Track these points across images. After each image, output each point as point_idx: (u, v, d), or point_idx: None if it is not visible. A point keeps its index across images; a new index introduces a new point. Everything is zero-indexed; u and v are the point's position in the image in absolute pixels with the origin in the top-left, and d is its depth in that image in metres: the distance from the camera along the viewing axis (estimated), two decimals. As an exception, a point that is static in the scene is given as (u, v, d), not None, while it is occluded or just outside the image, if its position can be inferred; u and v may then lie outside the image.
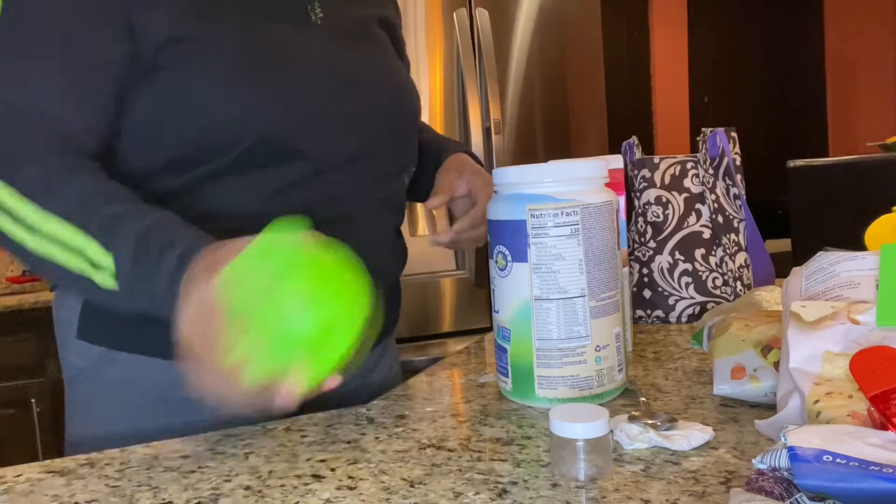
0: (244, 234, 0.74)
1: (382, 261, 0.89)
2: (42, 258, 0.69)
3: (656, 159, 1.13)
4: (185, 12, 0.77)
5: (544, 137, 2.27)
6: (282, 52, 0.83)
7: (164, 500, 0.59)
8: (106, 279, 0.68)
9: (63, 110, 0.75)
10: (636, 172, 1.14)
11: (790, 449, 0.45)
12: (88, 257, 0.68)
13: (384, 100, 0.92)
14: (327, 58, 0.87)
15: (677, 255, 1.10)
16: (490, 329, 0.85)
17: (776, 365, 0.69)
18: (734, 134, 1.16)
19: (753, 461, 0.47)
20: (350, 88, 0.87)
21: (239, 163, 0.80)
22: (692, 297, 1.09)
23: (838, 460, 0.43)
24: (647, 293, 1.11)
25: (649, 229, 1.12)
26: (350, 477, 0.61)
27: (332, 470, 0.63)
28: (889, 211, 0.71)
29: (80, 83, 0.76)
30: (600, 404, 0.70)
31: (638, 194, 1.14)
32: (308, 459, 0.65)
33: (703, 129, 1.15)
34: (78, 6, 0.76)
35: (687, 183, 1.11)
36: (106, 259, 0.67)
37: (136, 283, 0.68)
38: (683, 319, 1.09)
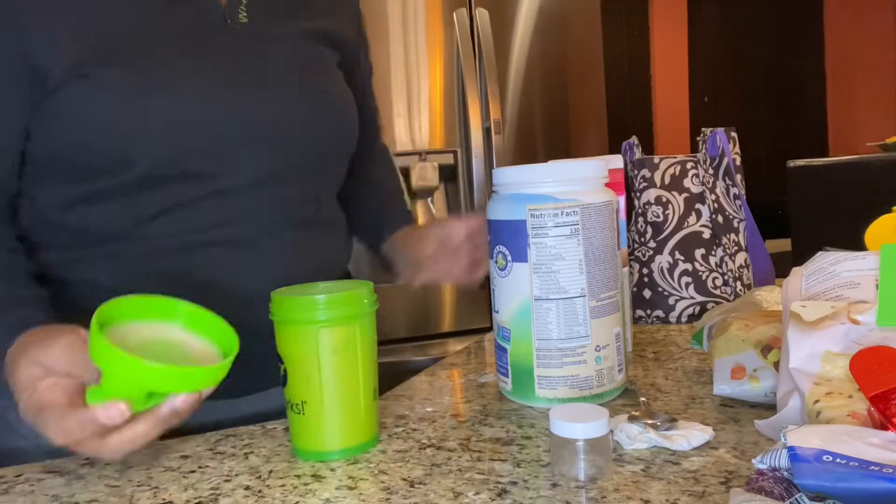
0: (119, 258, 0.79)
1: (290, 280, 0.79)
2: None
3: (656, 159, 1.13)
4: (82, 51, 0.75)
5: (544, 137, 2.27)
6: (173, 74, 0.78)
7: (164, 500, 0.59)
8: None
9: None
10: (636, 172, 1.14)
11: (790, 449, 0.45)
12: None
13: (299, 120, 0.86)
14: (236, 71, 0.82)
15: (677, 255, 1.10)
16: (490, 329, 0.85)
17: (776, 365, 0.69)
18: (734, 134, 1.16)
19: (753, 461, 0.47)
20: (258, 106, 0.82)
21: (126, 185, 0.77)
22: (692, 297, 1.09)
23: (838, 460, 0.43)
24: (647, 293, 1.11)
25: (649, 229, 1.12)
26: (350, 477, 0.61)
27: (332, 470, 0.63)
28: (889, 211, 0.71)
29: None
30: (600, 404, 0.70)
31: (638, 194, 1.14)
32: (307, 460, 0.65)
33: (703, 129, 1.15)
34: None
35: (687, 183, 1.11)
36: None
37: None
38: (683, 319, 1.09)
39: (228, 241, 0.81)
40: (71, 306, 0.75)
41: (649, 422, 0.65)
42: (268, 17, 0.86)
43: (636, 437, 0.63)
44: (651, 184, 1.12)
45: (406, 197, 1.11)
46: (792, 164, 2.20)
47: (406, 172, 2.01)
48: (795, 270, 0.68)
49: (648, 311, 1.11)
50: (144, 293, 0.64)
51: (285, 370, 0.66)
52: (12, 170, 0.79)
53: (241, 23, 0.83)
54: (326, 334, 0.64)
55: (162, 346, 0.63)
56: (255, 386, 0.87)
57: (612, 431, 0.62)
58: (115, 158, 0.76)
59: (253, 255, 0.82)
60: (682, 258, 1.10)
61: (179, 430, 0.75)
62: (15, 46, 0.74)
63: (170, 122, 0.76)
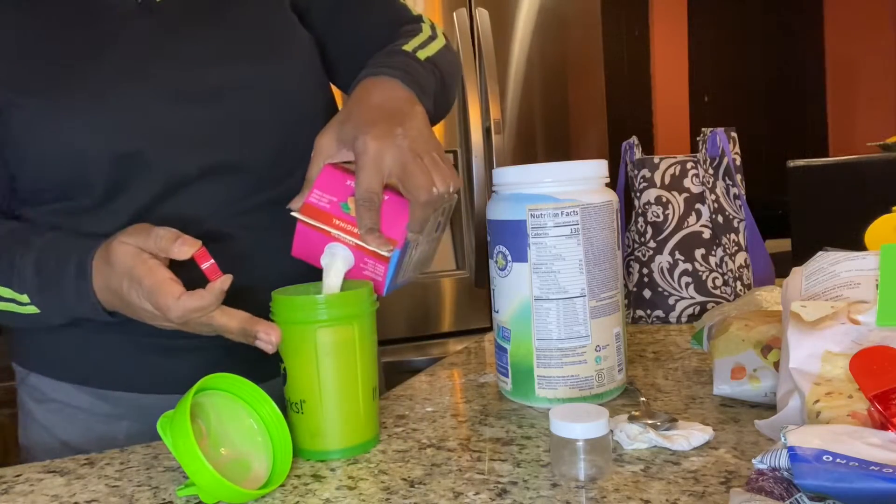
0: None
1: (277, 271, 0.76)
2: None
3: (656, 159, 1.13)
4: (9, 81, 0.74)
5: (544, 137, 2.27)
6: (95, 76, 0.74)
7: (164, 500, 0.59)
8: (31, 309, 0.73)
9: None
10: (636, 172, 1.14)
11: (790, 449, 0.45)
12: (9, 299, 0.74)
13: (247, 100, 0.77)
14: (163, 59, 0.76)
15: (677, 255, 1.10)
16: (490, 329, 0.85)
17: (776, 365, 0.69)
18: (734, 134, 1.16)
19: (753, 461, 0.47)
20: (194, 92, 0.76)
21: (90, 195, 0.76)
22: (692, 297, 1.09)
23: (838, 460, 0.43)
24: (647, 293, 1.11)
25: (649, 229, 1.12)
26: (350, 477, 0.61)
27: (332, 470, 0.63)
28: (889, 211, 0.71)
29: None
30: (600, 404, 0.70)
31: (638, 194, 1.14)
32: (308, 459, 0.65)
33: (703, 129, 1.15)
34: None
35: (687, 183, 1.11)
36: (25, 299, 0.73)
37: (51, 305, 0.73)
38: (683, 319, 1.09)
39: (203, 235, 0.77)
40: None
41: (649, 422, 0.65)
42: None
43: (636, 437, 0.63)
44: (651, 184, 1.12)
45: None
46: (792, 164, 2.20)
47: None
48: (795, 270, 0.68)
49: (648, 311, 1.11)
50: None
51: (285, 369, 0.66)
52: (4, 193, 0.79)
53: (156, 3, 0.78)
54: (325, 334, 0.64)
55: (233, 429, 0.63)
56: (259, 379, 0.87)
57: (612, 431, 0.62)
58: (71, 181, 0.76)
59: (235, 249, 0.79)
60: (682, 258, 1.10)
61: None
62: None
63: (100, 141, 0.74)
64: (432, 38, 0.85)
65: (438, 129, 2.13)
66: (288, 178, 0.80)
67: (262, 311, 0.66)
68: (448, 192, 0.65)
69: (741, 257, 1.13)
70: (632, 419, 0.66)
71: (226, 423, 0.62)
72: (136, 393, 0.82)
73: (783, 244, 2.26)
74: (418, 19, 0.90)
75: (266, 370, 0.71)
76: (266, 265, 0.80)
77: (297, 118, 0.81)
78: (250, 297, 0.68)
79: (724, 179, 1.14)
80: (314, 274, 0.70)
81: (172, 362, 0.81)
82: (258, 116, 0.79)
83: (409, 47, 0.80)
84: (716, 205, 1.11)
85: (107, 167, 0.75)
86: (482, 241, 2.00)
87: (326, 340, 0.64)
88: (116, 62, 0.76)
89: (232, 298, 0.66)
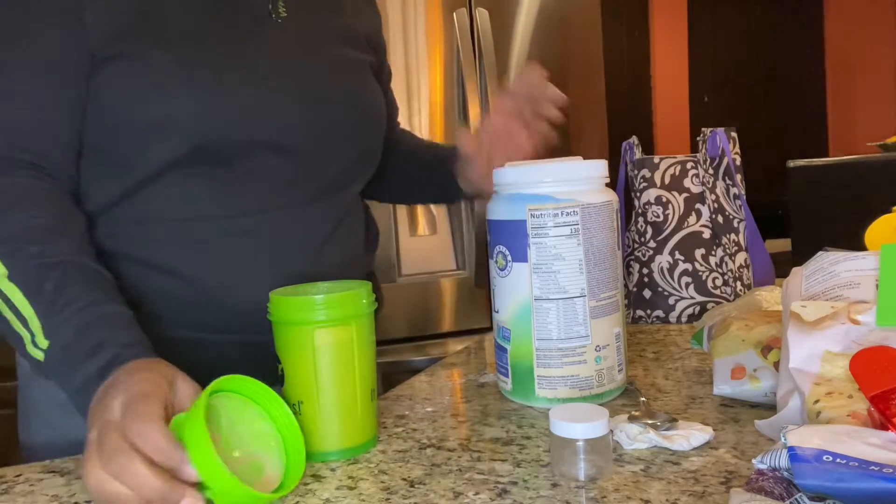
0: (198, 234, 0.78)
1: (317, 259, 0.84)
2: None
3: (656, 159, 1.13)
4: (130, 31, 0.75)
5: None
6: (223, 55, 0.79)
7: (164, 500, 0.59)
8: (36, 353, 0.67)
9: (21, 113, 0.75)
10: (636, 172, 1.14)
11: (790, 449, 0.45)
12: (30, 330, 0.67)
13: (336, 107, 0.87)
14: (278, 60, 0.83)
15: (677, 255, 1.10)
16: (490, 329, 0.85)
17: (776, 365, 0.69)
18: (734, 134, 1.16)
19: (753, 461, 0.47)
20: (299, 90, 0.83)
21: (187, 161, 0.77)
22: (692, 297, 1.09)
23: (838, 460, 0.43)
24: (647, 293, 1.11)
25: (649, 229, 1.12)
26: (350, 477, 0.61)
27: (332, 470, 0.63)
28: (889, 211, 0.70)
29: (39, 84, 0.75)
30: (600, 404, 0.70)
31: (638, 194, 1.14)
32: (316, 462, 0.65)
33: (703, 129, 1.15)
34: (31, 7, 0.74)
35: (687, 183, 1.11)
36: (43, 342, 0.67)
37: (57, 371, 0.67)
38: (683, 319, 1.09)
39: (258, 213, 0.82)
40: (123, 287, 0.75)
41: (649, 422, 0.65)
42: (303, 13, 0.86)
43: (636, 437, 0.63)
44: (651, 184, 1.12)
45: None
46: (792, 164, 2.20)
47: (406, 172, 2.01)
48: (795, 270, 0.68)
49: (648, 311, 1.11)
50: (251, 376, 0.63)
51: (282, 370, 0.66)
52: (73, 158, 0.78)
53: (281, 15, 0.84)
54: (322, 334, 0.64)
55: (246, 431, 0.61)
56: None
57: (612, 431, 0.62)
58: (157, 136, 0.76)
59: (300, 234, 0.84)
60: (682, 258, 1.10)
61: None
62: (75, 31, 0.74)
63: (207, 110, 0.77)
64: None
65: (439, 130, 2.13)
66: (352, 182, 0.92)
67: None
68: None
69: (741, 257, 1.13)
70: (632, 419, 0.66)
71: (238, 426, 0.61)
72: None
73: (783, 244, 2.26)
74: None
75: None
76: (332, 253, 0.85)
77: (364, 152, 0.93)
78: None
79: (724, 179, 1.14)
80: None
81: (198, 354, 0.80)
82: (350, 130, 0.89)
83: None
84: (716, 205, 1.11)
85: (194, 140, 0.76)
86: (482, 241, 2.00)
87: (324, 341, 0.64)
88: (246, 51, 0.80)
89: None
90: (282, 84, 0.82)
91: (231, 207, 0.79)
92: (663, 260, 1.10)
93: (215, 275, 0.79)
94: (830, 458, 0.43)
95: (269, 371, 0.71)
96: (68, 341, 0.65)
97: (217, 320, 0.80)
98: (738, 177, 1.14)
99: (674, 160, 1.12)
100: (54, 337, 0.66)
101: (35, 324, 0.67)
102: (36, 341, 0.66)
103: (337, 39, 0.90)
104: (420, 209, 2.11)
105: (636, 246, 1.13)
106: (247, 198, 0.80)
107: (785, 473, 0.45)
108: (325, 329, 0.64)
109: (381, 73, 1.01)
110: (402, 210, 2.08)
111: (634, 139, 1.17)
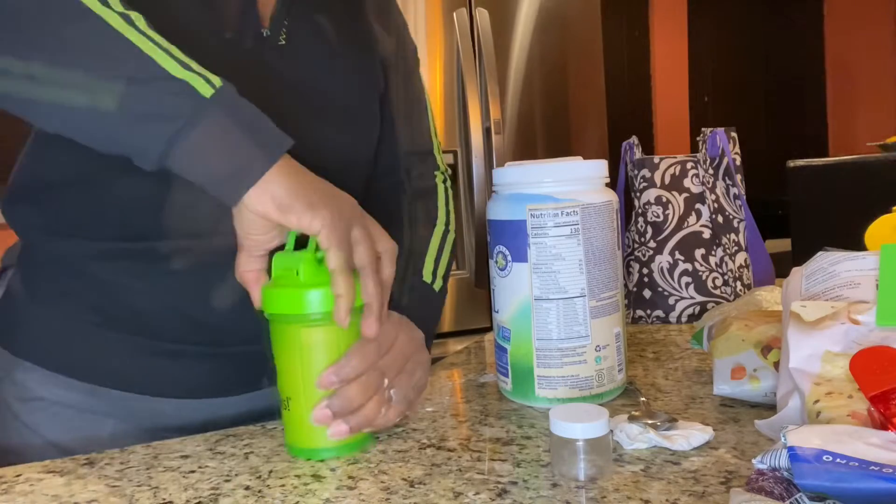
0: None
1: None
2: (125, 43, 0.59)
3: (656, 159, 1.13)
4: None
5: (544, 137, 2.27)
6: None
7: (164, 500, 0.59)
8: (203, 86, 0.60)
9: None
10: (636, 172, 1.14)
11: (790, 449, 0.45)
12: (187, 64, 0.60)
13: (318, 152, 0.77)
14: (269, 95, 0.72)
15: (677, 255, 1.10)
16: (490, 329, 0.85)
17: (776, 365, 0.69)
18: (734, 134, 1.16)
19: (753, 461, 0.47)
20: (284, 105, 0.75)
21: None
22: (692, 297, 1.09)
23: (838, 460, 0.43)
24: (647, 293, 1.11)
25: (649, 229, 1.12)
26: (350, 477, 0.61)
27: (332, 470, 0.63)
28: (889, 211, 0.70)
29: None
30: (600, 404, 0.70)
31: (638, 194, 1.14)
32: (308, 459, 0.65)
33: (703, 129, 1.15)
34: None
35: (687, 183, 1.11)
36: (214, 78, 0.60)
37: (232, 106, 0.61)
38: (683, 319, 1.09)
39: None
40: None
41: (649, 422, 0.65)
42: (308, 41, 0.81)
43: (636, 437, 0.63)
44: (651, 184, 1.12)
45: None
46: (792, 164, 2.20)
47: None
48: (795, 270, 0.68)
49: (648, 311, 1.11)
50: None
51: (274, 367, 0.66)
52: None
53: (279, 44, 0.79)
54: (310, 332, 0.64)
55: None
56: (248, 384, 0.87)
57: (612, 431, 0.62)
58: None
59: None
60: (682, 258, 1.10)
61: (179, 430, 0.76)
62: None
63: None
64: (446, 230, 0.90)
65: (439, 130, 2.14)
66: None
67: None
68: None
69: (741, 257, 1.13)
70: (632, 419, 0.66)
71: None
72: (127, 392, 0.81)
73: (783, 244, 2.26)
74: (433, 181, 0.95)
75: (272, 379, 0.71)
76: None
77: (358, 175, 0.87)
78: None
79: (724, 179, 1.14)
80: None
81: (173, 366, 0.80)
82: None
83: (428, 272, 0.85)
84: (716, 205, 1.11)
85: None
86: (482, 241, 2.00)
87: (311, 338, 0.64)
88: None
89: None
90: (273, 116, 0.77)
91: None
92: (663, 260, 1.10)
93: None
94: (830, 458, 0.43)
95: (265, 379, 0.72)
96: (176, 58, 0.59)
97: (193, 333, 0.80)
98: (738, 177, 1.14)
99: (674, 160, 1.12)
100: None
101: (191, 62, 0.60)
102: (208, 77, 0.60)
103: (338, 69, 0.83)
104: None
105: (636, 246, 1.13)
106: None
107: (785, 473, 0.45)
108: (312, 327, 0.64)
109: (388, 100, 0.91)
110: (402, 210, 2.08)
111: (634, 139, 1.17)
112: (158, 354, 0.80)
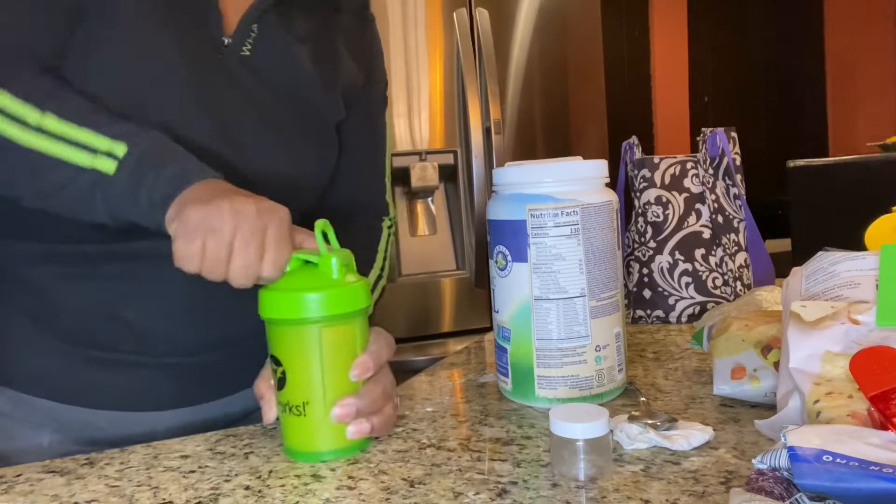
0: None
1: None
2: (41, 155, 0.67)
3: (656, 159, 1.13)
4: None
5: (544, 137, 2.27)
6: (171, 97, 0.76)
7: (164, 500, 0.59)
8: (107, 164, 0.67)
9: (22, 34, 0.71)
10: (636, 172, 1.14)
11: (790, 449, 0.45)
12: (93, 146, 0.67)
13: (273, 170, 0.81)
14: (228, 109, 0.78)
15: (677, 255, 1.10)
16: (490, 329, 0.85)
17: (776, 365, 0.69)
18: (734, 134, 1.16)
19: (753, 461, 0.47)
20: (239, 151, 0.78)
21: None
22: (692, 297, 1.09)
23: (838, 460, 0.43)
24: (647, 293, 1.11)
25: (649, 229, 1.12)
26: (350, 477, 0.61)
27: (332, 470, 0.63)
28: (889, 211, 0.70)
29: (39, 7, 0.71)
30: (600, 404, 0.70)
31: (638, 194, 1.14)
32: (300, 460, 0.65)
33: (703, 129, 1.15)
34: None
35: (687, 183, 1.11)
36: (119, 148, 0.67)
37: (137, 170, 0.67)
38: (683, 319, 1.09)
39: None
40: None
41: (649, 422, 0.65)
42: (271, 54, 0.81)
43: (636, 437, 0.63)
44: (651, 184, 1.12)
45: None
46: (792, 164, 2.20)
47: (406, 172, 2.01)
48: (795, 270, 0.68)
49: (648, 311, 1.11)
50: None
51: (283, 373, 0.65)
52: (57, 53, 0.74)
53: (241, 55, 0.79)
54: (326, 333, 0.64)
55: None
56: (187, 398, 0.85)
57: (612, 431, 0.62)
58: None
59: None
60: (682, 258, 1.10)
61: (113, 445, 0.74)
62: None
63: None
64: (380, 276, 0.91)
65: (439, 130, 2.14)
66: None
67: None
68: None
69: (741, 257, 1.13)
70: (632, 419, 0.66)
71: None
72: (61, 403, 0.79)
73: (783, 244, 2.26)
74: (379, 224, 0.97)
75: (218, 387, 0.75)
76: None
77: (308, 191, 0.88)
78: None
79: (724, 179, 1.14)
80: None
81: (107, 377, 0.79)
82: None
83: None
84: (716, 205, 1.11)
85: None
86: (482, 241, 2.00)
87: (329, 339, 0.64)
88: (191, 91, 0.76)
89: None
90: (229, 133, 0.78)
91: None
92: (663, 260, 1.10)
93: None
94: (830, 458, 0.43)
95: (215, 388, 0.75)
96: (151, 144, 0.67)
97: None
98: (738, 177, 1.14)
99: (674, 160, 1.12)
100: (131, 140, 0.67)
101: (98, 139, 0.67)
102: (111, 150, 0.66)
103: (300, 88, 0.84)
104: (420, 209, 2.12)
105: (636, 246, 1.13)
106: None
107: (785, 473, 0.45)
108: (330, 327, 0.64)
109: (347, 129, 0.93)
110: (401, 210, 2.08)
111: (634, 139, 1.17)
112: (91, 363, 0.78)
